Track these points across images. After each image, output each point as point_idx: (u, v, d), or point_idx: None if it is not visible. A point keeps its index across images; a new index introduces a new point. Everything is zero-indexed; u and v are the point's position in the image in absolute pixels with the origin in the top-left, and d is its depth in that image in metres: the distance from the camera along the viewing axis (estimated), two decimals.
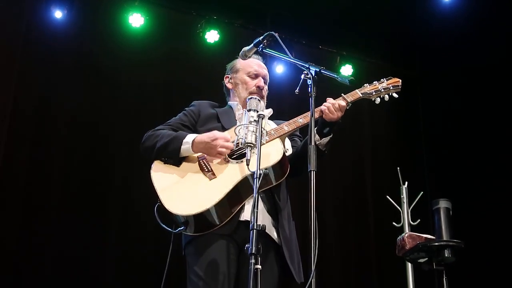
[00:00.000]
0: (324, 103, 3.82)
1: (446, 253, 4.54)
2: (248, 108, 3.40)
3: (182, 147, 3.68)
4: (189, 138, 3.70)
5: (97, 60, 7.02)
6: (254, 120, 3.31)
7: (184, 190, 3.59)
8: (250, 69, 4.12)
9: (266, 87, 4.14)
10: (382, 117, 8.50)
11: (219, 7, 7.70)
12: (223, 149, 3.62)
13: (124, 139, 6.85)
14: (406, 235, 4.82)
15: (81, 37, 7.06)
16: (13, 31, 6.76)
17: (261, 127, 3.30)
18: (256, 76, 4.11)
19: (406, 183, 5.79)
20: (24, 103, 6.64)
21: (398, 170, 5.75)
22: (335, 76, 3.43)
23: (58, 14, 6.99)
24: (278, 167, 3.60)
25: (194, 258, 3.59)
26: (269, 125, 3.87)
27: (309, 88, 3.33)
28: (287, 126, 3.82)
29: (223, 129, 3.87)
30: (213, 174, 3.62)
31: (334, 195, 7.92)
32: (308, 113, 3.73)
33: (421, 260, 4.76)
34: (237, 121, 3.93)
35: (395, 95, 4.02)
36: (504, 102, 7.41)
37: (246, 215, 3.57)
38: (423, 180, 8.13)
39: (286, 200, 3.85)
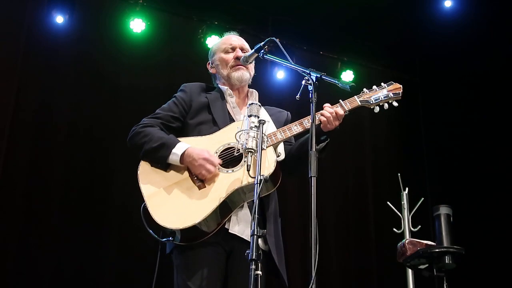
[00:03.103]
0: (322, 112, 3.69)
1: (447, 260, 4.55)
2: (248, 113, 3.38)
3: (170, 156, 3.60)
4: (179, 149, 3.59)
5: (98, 65, 7.03)
6: (255, 126, 3.30)
7: (172, 200, 3.53)
8: (225, 45, 4.07)
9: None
10: (382, 123, 8.50)
11: (220, 13, 7.70)
12: (206, 173, 3.52)
13: (125, 145, 6.82)
14: (406, 241, 4.83)
15: (82, 42, 7.06)
16: (15, 35, 6.76)
17: (262, 133, 3.29)
18: (233, 49, 4.05)
19: (407, 189, 5.79)
20: (25, 108, 6.64)
21: (399, 176, 5.74)
22: (336, 82, 3.42)
23: (59, 19, 7.00)
24: (270, 179, 3.53)
25: (182, 265, 3.56)
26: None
27: (310, 94, 3.33)
28: (281, 134, 3.71)
29: (214, 123, 3.79)
30: (203, 182, 3.56)
31: (334, 201, 7.91)
32: (303, 120, 3.72)
33: (422, 266, 4.77)
34: (229, 111, 3.88)
35: (395, 103, 3.87)
36: (504, 109, 7.41)
37: (233, 228, 3.55)
38: (424, 186, 8.12)
39: (273, 201, 3.75)
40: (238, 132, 3.35)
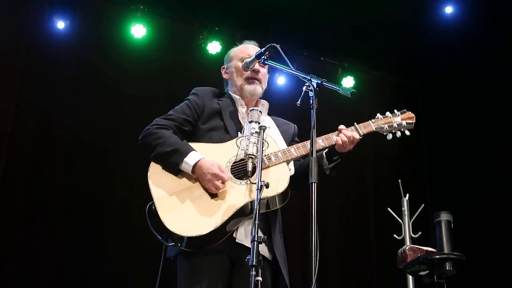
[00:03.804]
0: (340, 136, 3.73)
1: (447, 266, 4.54)
2: (249, 119, 3.38)
3: (182, 164, 3.59)
4: (191, 159, 3.57)
5: (99, 70, 7.04)
6: (256, 132, 3.30)
7: (183, 206, 3.53)
8: (243, 55, 4.02)
9: (263, 70, 4.05)
10: None
11: (221, 18, 7.71)
12: (213, 189, 3.52)
13: (125, 150, 6.85)
14: (407, 248, 4.82)
15: (83, 47, 7.07)
16: (16, 41, 6.78)
17: (263, 139, 3.29)
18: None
19: (407, 195, 5.78)
20: (26, 112, 6.64)
21: (399, 182, 5.74)
22: (337, 88, 3.42)
23: (60, 24, 7.01)
24: (282, 196, 3.56)
25: (186, 271, 3.57)
26: (271, 137, 3.76)
27: (311, 100, 3.33)
28: (296, 151, 3.70)
29: (226, 130, 3.80)
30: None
31: (335, 206, 7.91)
32: (319, 140, 3.72)
33: (422, 273, 4.76)
34: (240, 121, 3.87)
35: (407, 132, 3.94)
36: (505, 114, 7.41)
37: (240, 238, 3.55)
38: (424, 193, 8.12)
39: (278, 216, 3.77)
40: (239, 138, 3.36)
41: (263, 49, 3.75)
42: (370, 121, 3.91)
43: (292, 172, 3.73)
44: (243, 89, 3.97)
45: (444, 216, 4.80)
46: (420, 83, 8.96)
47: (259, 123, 3.35)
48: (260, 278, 2.95)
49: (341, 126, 3.78)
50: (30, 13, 6.97)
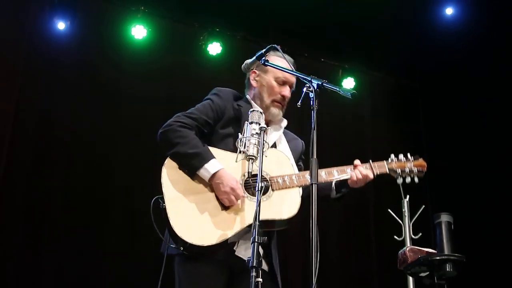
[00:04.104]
0: (355, 171, 3.86)
1: (448, 267, 4.53)
2: (250, 120, 3.38)
3: (201, 170, 3.57)
4: (212, 167, 3.55)
5: (99, 71, 7.04)
6: (256, 133, 3.30)
7: (192, 211, 3.52)
8: (280, 75, 3.92)
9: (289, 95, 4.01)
10: (383, 130, 8.50)
11: (221, 20, 7.71)
12: (227, 202, 3.53)
13: (125, 150, 6.86)
14: (407, 249, 4.81)
15: (84, 49, 7.07)
16: (16, 41, 6.78)
17: (263, 140, 3.29)
18: (284, 83, 3.94)
19: (408, 196, 5.77)
20: (26, 114, 6.65)
21: (400, 183, 5.73)
22: (337, 89, 3.42)
23: (61, 25, 7.01)
24: (288, 221, 3.60)
25: (184, 275, 3.59)
26: (287, 157, 3.82)
27: (311, 101, 3.33)
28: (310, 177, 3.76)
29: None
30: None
31: (335, 208, 7.90)
32: (332, 170, 3.84)
33: (423, 274, 4.75)
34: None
35: (416, 179, 4.06)
36: (505, 115, 7.41)
37: (239, 251, 3.57)
38: (425, 194, 8.10)
39: (275, 233, 3.81)
40: (239, 139, 3.36)
41: (264, 50, 3.73)
42: (384, 161, 4.05)
43: (301, 192, 3.74)
44: (268, 109, 3.92)
45: (445, 217, 4.78)
46: (420, 84, 8.96)
47: (259, 124, 3.35)
48: (260, 279, 2.94)
49: (357, 162, 3.92)
50: (31, 13, 6.97)
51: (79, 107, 6.86)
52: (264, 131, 3.34)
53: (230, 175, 3.55)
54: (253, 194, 3.56)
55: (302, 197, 3.70)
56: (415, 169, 4.06)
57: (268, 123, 3.86)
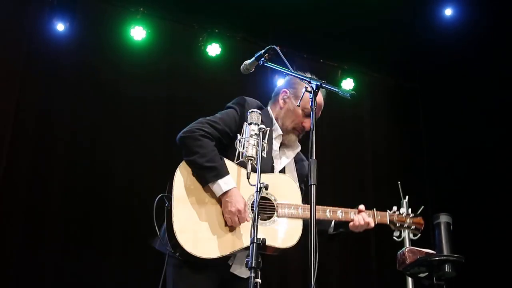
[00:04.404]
0: (358, 216, 3.98)
1: (447, 268, 4.53)
2: (249, 121, 3.39)
3: (214, 184, 3.59)
4: (225, 184, 3.57)
5: (98, 72, 7.04)
6: (255, 134, 3.31)
7: (196, 219, 3.54)
8: (308, 106, 3.82)
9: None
10: (383, 130, 8.51)
11: (221, 21, 7.72)
12: (230, 223, 3.55)
13: (125, 151, 6.87)
14: (406, 250, 4.81)
15: (83, 50, 7.07)
16: (16, 43, 6.78)
17: (262, 141, 3.30)
18: (309, 115, 3.89)
19: (407, 197, 5.77)
20: (26, 114, 6.65)
21: (399, 184, 5.73)
22: (336, 90, 3.42)
23: (60, 27, 7.00)
24: (284, 250, 3.66)
25: (177, 278, 3.61)
26: (293, 182, 3.86)
27: (310, 102, 3.34)
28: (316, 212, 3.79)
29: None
30: None
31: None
32: (337, 210, 3.92)
33: (422, 275, 4.75)
34: (273, 157, 3.89)
35: (411, 235, 4.16)
36: (505, 116, 7.41)
37: (235, 268, 3.65)
38: (424, 194, 8.11)
39: None
40: (238, 139, 3.36)
41: (263, 51, 3.75)
42: (387, 212, 4.13)
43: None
44: (287, 133, 3.97)
45: (444, 218, 4.78)
46: (420, 84, 8.96)
47: (258, 125, 3.35)
48: (259, 280, 2.95)
49: (361, 207, 4.02)
50: (30, 14, 6.97)
51: (78, 107, 6.86)
52: (264, 132, 3.33)
53: (240, 197, 3.58)
54: (261, 218, 3.62)
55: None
56: (412, 226, 4.16)
57: (282, 145, 3.96)
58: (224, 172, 3.60)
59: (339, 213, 3.90)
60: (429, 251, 4.66)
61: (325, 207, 3.87)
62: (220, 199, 3.60)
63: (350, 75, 8.38)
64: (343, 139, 8.18)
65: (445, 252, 4.56)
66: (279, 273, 7.37)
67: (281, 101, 4.06)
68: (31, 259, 6.22)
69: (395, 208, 4.09)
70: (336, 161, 7.88)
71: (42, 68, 6.85)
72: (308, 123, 3.94)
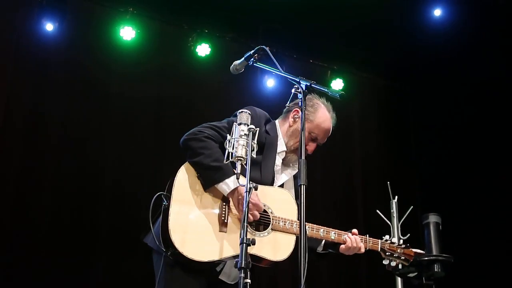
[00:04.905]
0: (352, 242, 3.95)
1: (436, 268, 4.56)
2: (238, 122, 3.38)
3: (221, 184, 3.58)
4: (232, 182, 3.57)
5: (88, 72, 7.02)
6: (245, 134, 3.30)
7: (192, 224, 3.53)
8: (316, 131, 4.00)
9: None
10: (372, 131, 8.52)
11: (210, 21, 7.71)
12: (251, 216, 3.55)
13: (115, 150, 6.85)
14: None
15: (72, 50, 7.05)
16: (5, 43, 6.75)
17: (251, 141, 3.30)
18: (315, 139, 4.01)
19: (396, 197, 5.79)
20: (16, 115, 6.62)
21: (388, 184, 5.75)
22: (326, 90, 3.44)
23: (49, 26, 6.97)
24: (275, 263, 3.65)
25: (169, 275, 3.60)
26: (291, 197, 3.86)
27: (300, 102, 3.34)
28: (310, 230, 3.81)
29: (259, 169, 3.79)
30: (225, 226, 3.58)
31: (324, 209, 7.91)
32: (330, 231, 3.92)
33: (411, 275, 4.77)
34: (274, 172, 3.89)
35: (400, 266, 4.11)
36: (494, 117, 7.44)
37: (223, 276, 3.70)
38: (413, 195, 8.14)
39: None
40: (228, 140, 3.36)
41: (253, 51, 3.74)
42: (380, 240, 4.10)
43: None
44: (290, 151, 3.98)
45: (433, 218, 4.82)
46: (409, 85, 8.98)
47: (248, 125, 3.35)
48: (249, 280, 2.95)
49: (354, 231, 4.01)
50: (19, 15, 6.93)
51: (68, 107, 6.84)
52: (253, 133, 3.33)
53: (253, 195, 3.54)
54: (256, 229, 3.63)
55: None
56: (402, 256, 4.11)
57: (283, 161, 3.97)
58: (230, 172, 3.59)
59: (332, 234, 3.91)
60: (419, 251, 4.68)
61: (320, 226, 3.87)
62: (221, 201, 3.61)
63: (339, 75, 8.39)
64: (332, 139, 8.17)
65: (434, 252, 4.59)
66: (267, 272, 7.36)
67: (291, 119, 4.06)
68: (21, 258, 6.18)
69: (387, 236, 4.10)
70: (325, 162, 7.88)
71: (31, 68, 6.82)
72: (311, 147, 3.99)
